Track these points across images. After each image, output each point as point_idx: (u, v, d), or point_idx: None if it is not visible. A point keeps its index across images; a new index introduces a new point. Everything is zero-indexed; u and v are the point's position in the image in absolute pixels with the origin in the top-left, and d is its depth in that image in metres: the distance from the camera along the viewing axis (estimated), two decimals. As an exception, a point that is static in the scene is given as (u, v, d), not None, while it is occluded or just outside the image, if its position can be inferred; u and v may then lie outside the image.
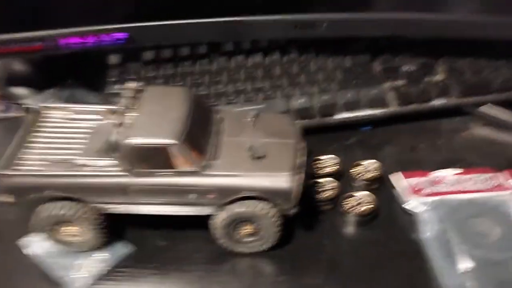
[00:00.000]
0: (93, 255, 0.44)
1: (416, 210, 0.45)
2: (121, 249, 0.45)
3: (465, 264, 0.39)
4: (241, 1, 0.57)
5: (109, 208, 0.42)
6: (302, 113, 0.56)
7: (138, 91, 0.44)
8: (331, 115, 0.57)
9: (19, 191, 0.41)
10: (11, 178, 0.40)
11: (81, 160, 0.42)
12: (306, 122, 0.56)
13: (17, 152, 0.43)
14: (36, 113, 0.46)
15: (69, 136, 0.45)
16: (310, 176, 0.50)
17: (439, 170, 0.50)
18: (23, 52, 0.57)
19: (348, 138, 0.57)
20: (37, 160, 0.42)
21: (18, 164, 0.42)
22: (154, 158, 0.40)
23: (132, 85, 0.44)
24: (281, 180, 0.41)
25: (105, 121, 0.47)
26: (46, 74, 0.66)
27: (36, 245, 0.44)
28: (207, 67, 0.62)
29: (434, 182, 0.48)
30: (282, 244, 0.44)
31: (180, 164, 0.40)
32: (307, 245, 0.45)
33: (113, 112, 0.47)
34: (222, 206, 0.42)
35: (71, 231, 0.43)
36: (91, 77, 0.65)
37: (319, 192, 0.49)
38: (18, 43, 0.56)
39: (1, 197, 0.42)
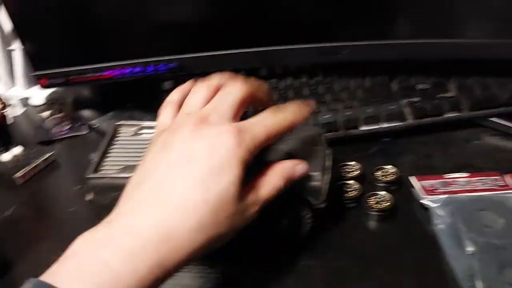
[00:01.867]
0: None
1: (431, 206, 0.52)
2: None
3: (471, 248, 0.45)
4: (274, 33, 0.67)
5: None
6: (329, 126, 0.64)
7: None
8: (354, 128, 0.65)
9: (102, 190, 0.51)
10: (96, 181, 0.51)
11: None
12: (332, 134, 0.64)
13: (101, 160, 0.53)
14: (113, 128, 0.57)
15: (139, 146, 0.55)
16: (338, 178, 0.59)
17: (451, 174, 0.57)
18: (94, 80, 0.69)
19: (370, 148, 0.65)
20: (115, 166, 0.52)
21: (101, 170, 0.52)
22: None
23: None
24: (312, 178, 0.49)
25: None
26: (109, 98, 0.78)
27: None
28: (245, 89, 0.72)
29: (447, 183, 0.55)
30: (313, 236, 0.52)
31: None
32: (335, 235, 0.52)
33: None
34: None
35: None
36: (147, 100, 0.76)
37: (345, 192, 0.57)
38: (91, 73, 0.68)
39: (88, 196, 0.52)
